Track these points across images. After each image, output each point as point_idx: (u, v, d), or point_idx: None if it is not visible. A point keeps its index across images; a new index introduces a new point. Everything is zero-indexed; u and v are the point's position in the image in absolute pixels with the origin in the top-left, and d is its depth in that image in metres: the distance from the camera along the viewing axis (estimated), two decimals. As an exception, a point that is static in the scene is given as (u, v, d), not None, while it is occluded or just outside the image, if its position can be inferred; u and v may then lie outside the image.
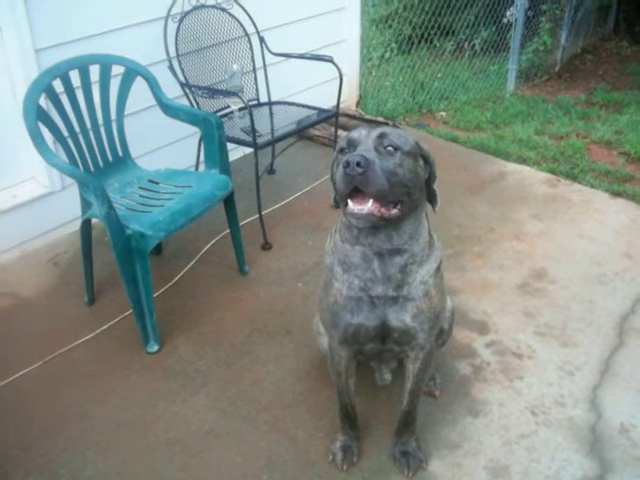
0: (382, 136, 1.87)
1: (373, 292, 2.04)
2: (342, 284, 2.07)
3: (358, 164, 1.74)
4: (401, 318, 2.07)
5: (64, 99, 3.00)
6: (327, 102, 4.19)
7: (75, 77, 3.02)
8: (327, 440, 2.51)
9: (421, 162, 1.97)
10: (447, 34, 6.99)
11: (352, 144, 1.89)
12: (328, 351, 2.31)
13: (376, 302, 2.05)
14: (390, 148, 1.86)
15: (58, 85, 2.96)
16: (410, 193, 1.90)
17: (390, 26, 7.11)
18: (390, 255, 1.99)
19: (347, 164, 1.75)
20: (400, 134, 1.92)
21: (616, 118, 5.60)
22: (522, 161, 4.75)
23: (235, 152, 4.23)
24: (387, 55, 6.88)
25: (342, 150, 1.93)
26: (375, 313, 2.07)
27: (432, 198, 2.07)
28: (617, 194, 4.24)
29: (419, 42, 6.80)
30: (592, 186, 4.36)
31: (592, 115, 5.72)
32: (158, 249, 3.56)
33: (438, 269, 2.13)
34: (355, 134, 1.91)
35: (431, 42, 6.86)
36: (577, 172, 4.54)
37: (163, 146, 3.99)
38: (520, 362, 2.90)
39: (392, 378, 2.65)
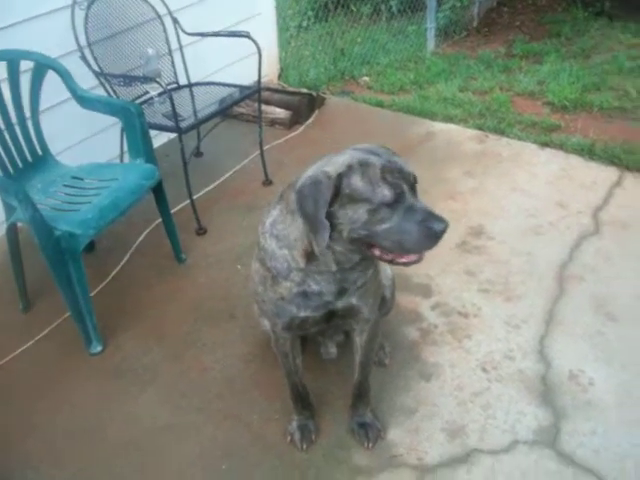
0: (415, 180, 1.85)
1: (325, 292, 2.01)
2: (292, 281, 2.00)
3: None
4: (348, 301, 2.06)
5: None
6: (249, 78, 4.09)
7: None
8: (283, 421, 2.49)
9: None
10: (363, -2, 6.94)
11: (398, 195, 1.77)
12: (271, 334, 2.27)
13: (324, 295, 2.02)
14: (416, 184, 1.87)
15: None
16: None
17: (306, -7, 7.07)
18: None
19: (438, 235, 1.78)
20: (399, 157, 1.89)
21: (537, 69, 5.69)
22: (449, 120, 4.76)
23: (160, 137, 4.12)
24: (305, 24, 6.81)
25: (390, 204, 1.76)
26: (322, 304, 2.04)
27: None
28: (545, 144, 4.30)
29: (335, 8, 6.74)
30: (520, 139, 4.41)
31: (513, 67, 5.79)
32: (90, 246, 3.44)
33: None
34: (398, 183, 1.77)
35: (348, 7, 6.81)
36: (504, 126, 4.57)
37: (84, 139, 3.83)
38: (467, 321, 2.92)
39: (338, 352, 2.63)
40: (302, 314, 2.05)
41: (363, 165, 1.78)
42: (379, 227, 1.78)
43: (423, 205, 1.80)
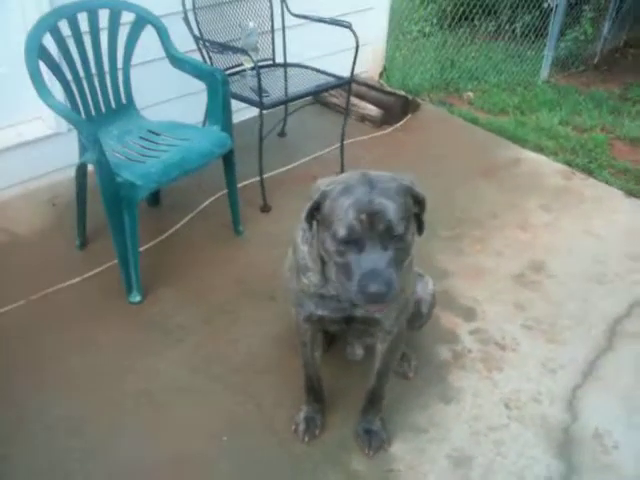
0: (389, 230, 1.67)
1: (342, 297, 1.97)
2: (309, 280, 2.02)
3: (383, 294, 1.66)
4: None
5: (70, 42, 2.95)
6: (346, 71, 4.08)
7: (84, 21, 2.98)
8: (293, 409, 2.48)
9: (411, 202, 1.80)
10: (489, 13, 6.81)
11: (353, 239, 1.68)
12: (294, 321, 2.28)
13: (341, 301, 2.01)
14: (397, 235, 1.70)
15: (65, 28, 2.91)
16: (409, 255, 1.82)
17: (434, 0, 7.02)
18: None
19: (370, 296, 1.66)
20: (396, 200, 1.70)
21: (647, 115, 5.45)
22: (539, 150, 4.62)
23: (248, 111, 4.15)
24: (427, 30, 6.78)
25: (343, 241, 1.69)
26: (340, 308, 2.03)
27: (420, 227, 1.90)
28: (632, 193, 4.12)
29: (459, 20, 6.66)
30: (608, 183, 4.24)
31: (623, 110, 5.56)
32: (156, 200, 3.54)
33: (409, 264, 2.03)
34: (355, 225, 1.66)
35: (472, 20, 6.72)
36: (594, 167, 4.42)
37: (172, 99, 3.92)
38: (502, 353, 2.84)
39: (365, 353, 2.59)
40: (320, 313, 2.06)
41: (341, 193, 1.71)
42: (334, 259, 1.75)
43: (375, 258, 1.66)
